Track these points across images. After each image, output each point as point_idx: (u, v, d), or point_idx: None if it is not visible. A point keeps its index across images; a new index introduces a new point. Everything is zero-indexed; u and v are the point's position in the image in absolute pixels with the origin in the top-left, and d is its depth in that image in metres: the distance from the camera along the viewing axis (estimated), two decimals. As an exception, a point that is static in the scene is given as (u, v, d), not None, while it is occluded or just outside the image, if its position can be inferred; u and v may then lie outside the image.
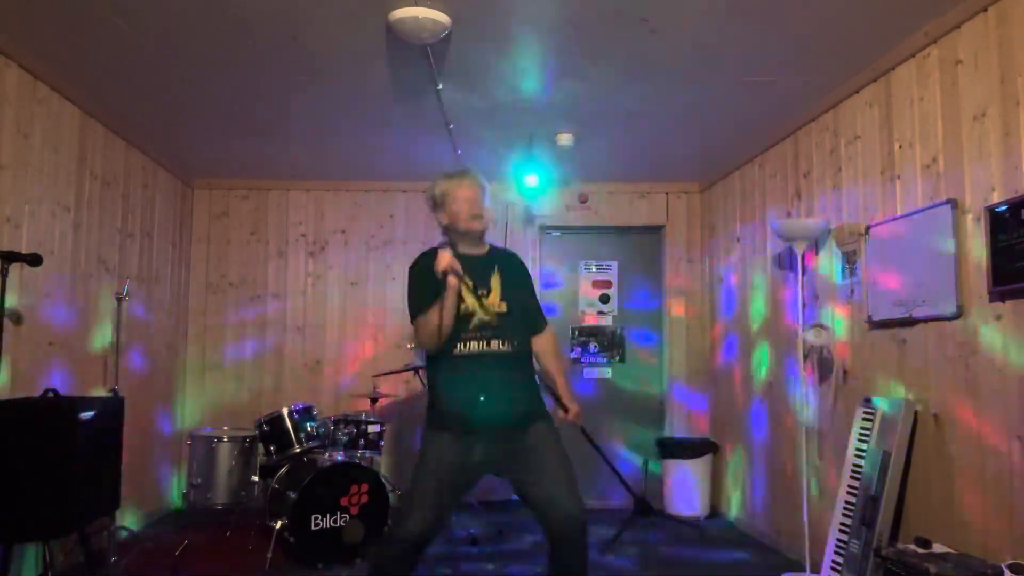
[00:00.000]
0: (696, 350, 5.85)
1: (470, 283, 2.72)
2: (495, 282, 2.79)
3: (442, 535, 4.44)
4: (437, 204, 2.86)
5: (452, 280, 2.62)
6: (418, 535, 2.63)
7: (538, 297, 3.07)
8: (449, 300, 2.63)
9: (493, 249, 2.94)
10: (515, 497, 2.90)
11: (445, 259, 2.62)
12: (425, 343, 2.74)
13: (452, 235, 2.80)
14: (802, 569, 3.83)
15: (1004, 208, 2.67)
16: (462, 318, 2.71)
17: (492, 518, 5.18)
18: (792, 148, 4.39)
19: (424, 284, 2.71)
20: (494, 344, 2.72)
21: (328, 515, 4.06)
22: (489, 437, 2.67)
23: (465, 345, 2.71)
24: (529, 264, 3.41)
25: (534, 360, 2.93)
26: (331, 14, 3.11)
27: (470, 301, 2.73)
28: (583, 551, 2.72)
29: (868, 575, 3.05)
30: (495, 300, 2.76)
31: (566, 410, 2.85)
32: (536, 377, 2.89)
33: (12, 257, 3.03)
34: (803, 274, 4.11)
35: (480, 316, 2.73)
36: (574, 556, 2.71)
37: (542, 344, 2.93)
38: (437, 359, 2.77)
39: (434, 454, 2.72)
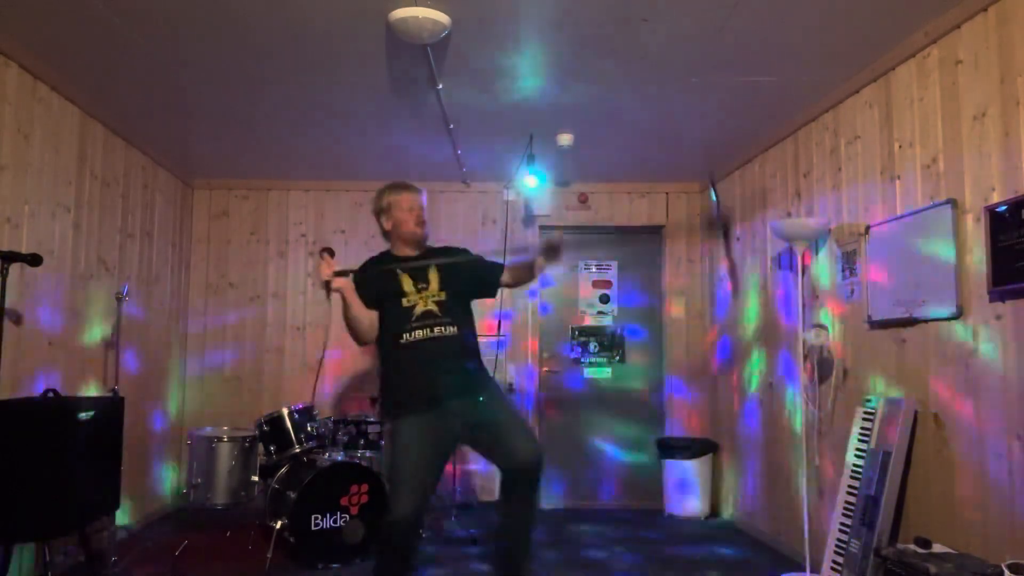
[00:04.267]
0: (696, 350, 5.85)
1: (407, 271, 3.11)
2: (432, 275, 3.13)
3: (441, 537, 4.44)
4: (383, 211, 3.25)
5: (336, 284, 3.04)
6: (410, 515, 2.88)
7: (483, 256, 3.35)
8: (345, 303, 3.04)
9: (430, 249, 3.29)
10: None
11: (324, 271, 3.08)
12: (358, 339, 3.11)
13: (394, 239, 3.23)
14: (802, 569, 3.83)
15: (1004, 208, 2.67)
16: (405, 311, 3.05)
17: (492, 518, 5.18)
18: (792, 148, 4.39)
19: (362, 287, 3.11)
20: (437, 330, 3.04)
21: (328, 515, 4.06)
22: (448, 410, 2.98)
23: (411, 334, 3.03)
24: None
25: (517, 273, 3.26)
26: (331, 14, 3.11)
27: (411, 296, 3.08)
28: (535, 487, 3.07)
29: (868, 575, 3.05)
30: (434, 290, 3.09)
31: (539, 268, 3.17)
32: (483, 364, 3.21)
33: (12, 257, 3.04)
34: (803, 274, 4.11)
35: (421, 307, 3.06)
36: (528, 494, 3.05)
37: (510, 273, 3.25)
38: (387, 352, 3.10)
39: (405, 438, 2.97)
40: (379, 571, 3.05)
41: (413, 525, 2.94)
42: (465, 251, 3.35)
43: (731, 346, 5.30)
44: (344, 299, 3.05)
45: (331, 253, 3.14)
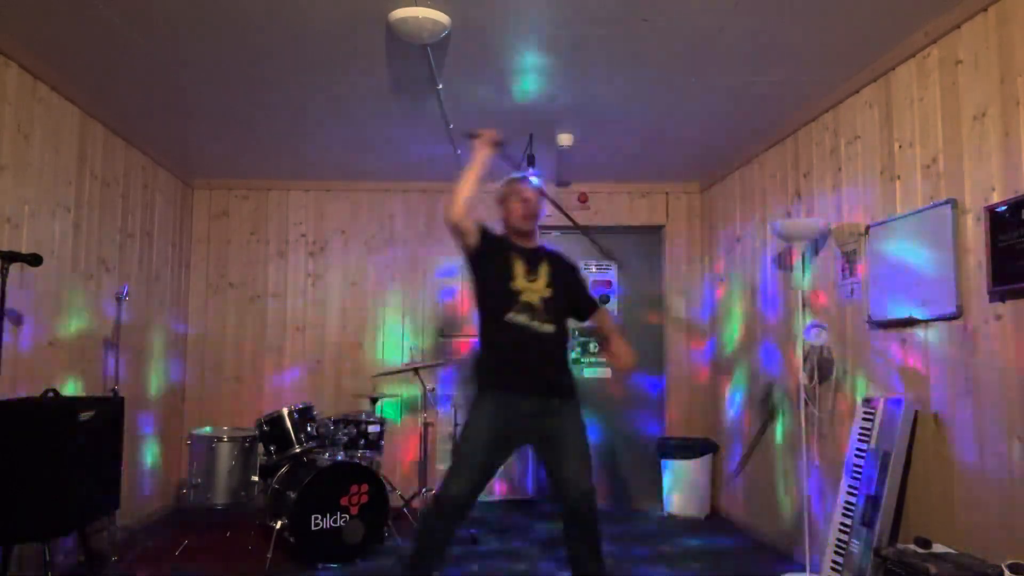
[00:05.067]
0: (695, 350, 5.85)
1: (524, 260, 3.12)
2: (543, 271, 3.13)
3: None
4: (500, 201, 3.26)
5: (483, 138, 3.07)
6: (460, 495, 2.90)
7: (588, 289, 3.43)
8: (476, 164, 3.07)
9: (544, 246, 3.29)
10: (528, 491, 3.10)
11: (486, 131, 3.10)
12: (446, 207, 3.10)
13: (507, 230, 3.23)
14: (802, 569, 3.83)
15: (1004, 208, 2.67)
16: (512, 293, 3.05)
17: (492, 518, 5.18)
18: (792, 148, 4.39)
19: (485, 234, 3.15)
20: (535, 324, 3.03)
21: (328, 515, 4.06)
22: (526, 405, 2.99)
23: (514, 315, 3.03)
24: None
25: (594, 329, 3.36)
26: (331, 14, 3.11)
27: (520, 282, 3.08)
28: (593, 525, 2.98)
29: (868, 575, 3.05)
30: (541, 286, 3.09)
31: (615, 354, 3.20)
32: (570, 362, 3.23)
33: (12, 257, 3.04)
34: (803, 274, 4.11)
35: (526, 297, 3.06)
36: (586, 530, 2.98)
37: (599, 319, 3.32)
38: (487, 327, 3.12)
39: (478, 418, 3.00)
40: (413, 551, 3.01)
41: (459, 507, 2.94)
42: (577, 268, 3.37)
43: (730, 346, 5.30)
44: (478, 161, 3.08)
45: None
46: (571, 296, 3.23)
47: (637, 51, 3.45)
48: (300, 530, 3.98)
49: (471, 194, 3.05)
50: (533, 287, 3.09)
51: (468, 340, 5.81)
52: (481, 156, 3.09)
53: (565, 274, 3.24)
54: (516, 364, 3.02)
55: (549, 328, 3.06)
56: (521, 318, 3.04)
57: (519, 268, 3.10)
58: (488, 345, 3.13)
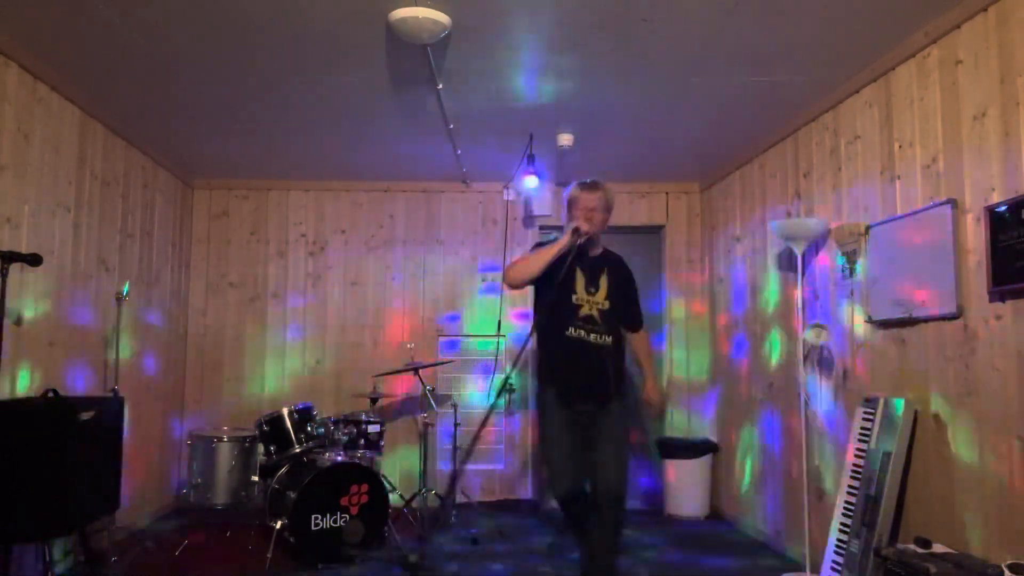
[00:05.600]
0: (696, 350, 5.85)
1: (584, 271, 3.29)
2: (603, 282, 3.31)
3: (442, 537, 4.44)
4: (567, 206, 3.39)
5: (567, 239, 3.18)
6: (564, 494, 3.20)
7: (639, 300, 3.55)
8: (555, 249, 3.20)
9: (606, 252, 3.44)
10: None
11: (584, 226, 3.21)
12: (511, 275, 3.31)
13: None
14: (802, 569, 3.83)
15: (1004, 208, 2.67)
16: (572, 308, 3.24)
17: (492, 518, 5.18)
18: (792, 148, 4.39)
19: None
20: (593, 336, 3.24)
21: (328, 515, 4.06)
22: (582, 409, 3.23)
23: (573, 330, 3.24)
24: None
25: (629, 354, 3.46)
26: (331, 14, 3.11)
27: (580, 295, 3.26)
28: (616, 524, 3.20)
29: (868, 575, 3.05)
30: (601, 298, 3.27)
31: (648, 400, 3.48)
32: (626, 367, 3.38)
33: (12, 257, 3.03)
34: (803, 274, 4.11)
35: (586, 310, 3.26)
36: (606, 526, 3.18)
37: (637, 343, 3.50)
38: (548, 336, 3.32)
39: (551, 428, 3.28)
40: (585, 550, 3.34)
41: (571, 501, 3.20)
42: (633, 278, 3.52)
43: (731, 346, 5.29)
44: (557, 246, 3.21)
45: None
46: (625, 307, 3.41)
47: (637, 51, 3.45)
48: (300, 530, 3.98)
49: (539, 272, 3.22)
50: (592, 300, 3.27)
51: (467, 339, 5.81)
52: (563, 243, 3.20)
53: (625, 286, 3.40)
54: (572, 379, 3.24)
55: (607, 339, 3.25)
56: (580, 332, 3.24)
57: (580, 282, 3.27)
58: (550, 357, 3.33)
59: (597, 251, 3.39)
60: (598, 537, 3.20)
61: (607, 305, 3.26)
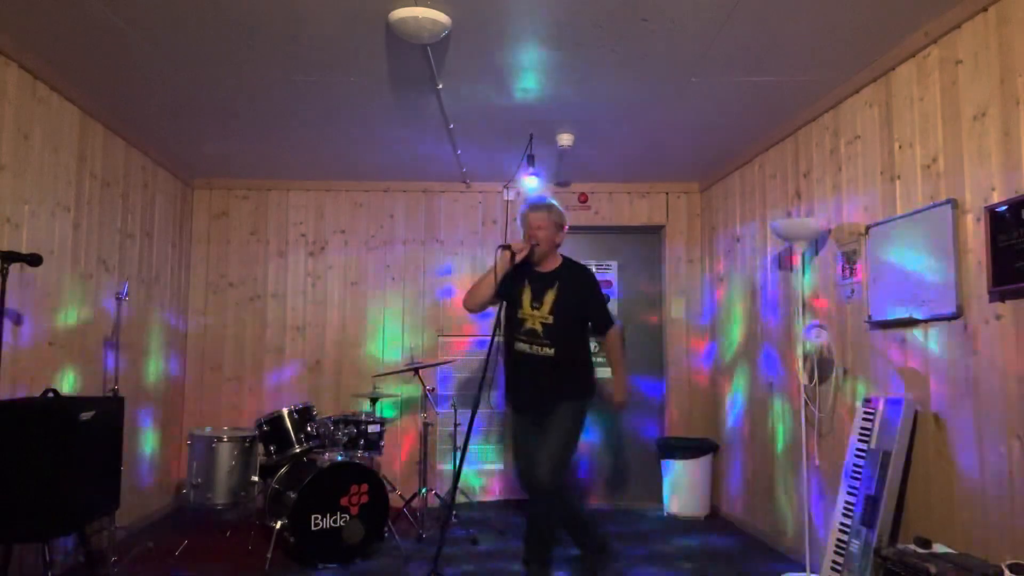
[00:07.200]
0: (696, 350, 5.85)
1: (531, 286, 3.52)
2: (548, 297, 3.48)
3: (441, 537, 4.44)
4: (520, 224, 3.62)
5: (504, 254, 3.44)
6: (527, 491, 3.50)
7: (605, 305, 3.69)
8: (496, 271, 3.44)
9: (563, 267, 3.62)
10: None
11: (516, 244, 3.48)
12: (465, 304, 3.60)
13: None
14: (802, 569, 3.83)
15: (1004, 208, 2.67)
16: (518, 322, 3.50)
17: (492, 518, 5.18)
18: (792, 148, 4.39)
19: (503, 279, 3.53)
20: (535, 348, 3.47)
21: (328, 515, 4.06)
22: (529, 416, 3.52)
23: (517, 345, 3.50)
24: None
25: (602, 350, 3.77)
26: (331, 14, 3.11)
27: (525, 311, 3.49)
28: (545, 516, 3.44)
29: (868, 575, 3.05)
30: (544, 313, 3.45)
31: (612, 399, 3.59)
32: (585, 372, 3.56)
33: (12, 257, 3.04)
34: (803, 274, 4.11)
35: (529, 324, 3.48)
36: (535, 518, 3.49)
37: (606, 344, 3.68)
38: (504, 349, 3.61)
39: (510, 430, 3.73)
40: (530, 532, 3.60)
41: (548, 494, 3.37)
42: (594, 287, 3.65)
43: (730, 346, 5.30)
44: (498, 264, 3.45)
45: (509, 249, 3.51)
46: (582, 313, 3.57)
47: (637, 51, 3.45)
48: (300, 530, 3.98)
49: (488, 296, 3.49)
50: (536, 314, 3.48)
51: (467, 340, 5.81)
52: (503, 264, 3.44)
53: (576, 296, 3.53)
54: (518, 389, 3.53)
55: (548, 352, 3.44)
56: (522, 346, 3.48)
57: (526, 298, 3.50)
58: (506, 371, 3.60)
59: (549, 266, 3.58)
60: (528, 529, 3.53)
61: (551, 319, 3.44)
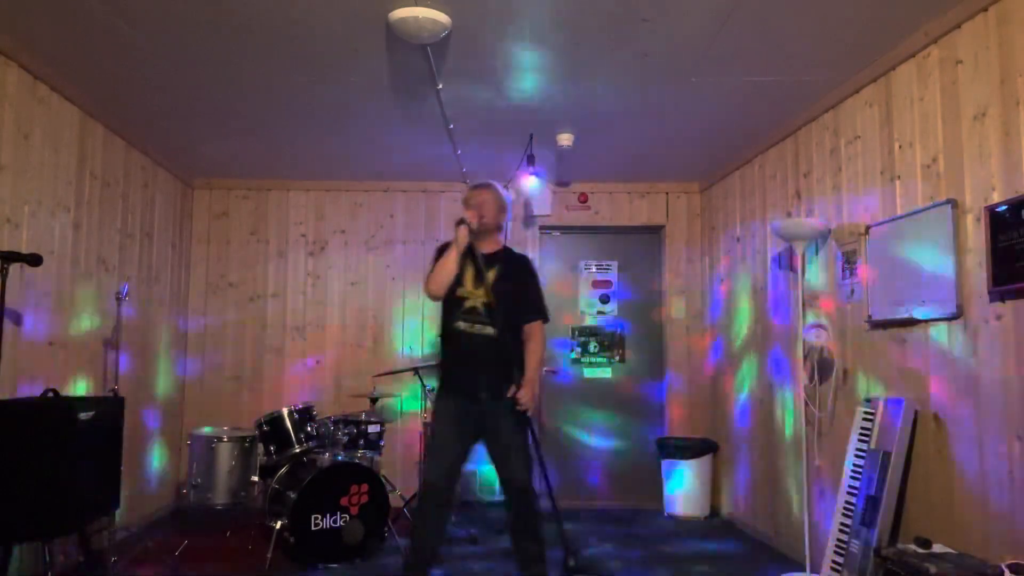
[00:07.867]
0: (696, 350, 5.85)
1: (475, 266, 3.34)
2: (491, 276, 3.34)
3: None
4: (463, 205, 3.49)
5: (462, 228, 3.27)
6: (435, 482, 3.27)
7: (542, 297, 3.51)
8: (455, 249, 3.28)
9: (504, 251, 3.50)
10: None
11: (470, 214, 3.33)
12: (428, 288, 3.38)
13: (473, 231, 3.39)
14: (802, 569, 3.83)
15: (1004, 208, 2.67)
16: (457, 301, 3.36)
17: (492, 518, 5.18)
18: (792, 148, 4.39)
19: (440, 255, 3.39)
20: (477, 327, 3.33)
21: (328, 515, 4.06)
22: (470, 403, 3.31)
23: (456, 324, 3.36)
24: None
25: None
26: (331, 14, 3.11)
27: (467, 289, 3.35)
28: (529, 515, 3.33)
29: (868, 575, 3.05)
30: (485, 292, 3.31)
31: (518, 391, 3.26)
32: (520, 359, 3.36)
33: (12, 257, 3.04)
34: (803, 274, 4.11)
35: (471, 303, 3.34)
36: (519, 518, 3.35)
37: (527, 333, 3.42)
38: (441, 334, 3.47)
39: (440, 414, 3.40)
40: (412, 533, 3.42)
41: (439, 491, 3.28)
42: (533, 276, 3.54)
43: (731, 346, 5.30)
44: (459, 240, 3.28)
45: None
46: (519, 302, 3.39)
47: (637, 51, 3.45)
48: (300, 530, 3.98)
49: (454, 274, 3.31)
50: (478, 292, 3.34)
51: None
52: (463, 238, 3.28)
53: (516, 281, 3.42)
54: (457, 373, 3.37)
55: (489, 331, 3.30)
56: (461, 326, 3.34)
57: (468, 276, 3.37)
58: (442, 354, 3.49)
59: (491, 248, 3.46)
60: (528, 545, 3.33)
61: (492, 299, 3.29)
